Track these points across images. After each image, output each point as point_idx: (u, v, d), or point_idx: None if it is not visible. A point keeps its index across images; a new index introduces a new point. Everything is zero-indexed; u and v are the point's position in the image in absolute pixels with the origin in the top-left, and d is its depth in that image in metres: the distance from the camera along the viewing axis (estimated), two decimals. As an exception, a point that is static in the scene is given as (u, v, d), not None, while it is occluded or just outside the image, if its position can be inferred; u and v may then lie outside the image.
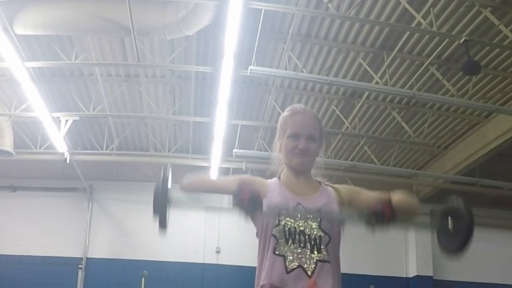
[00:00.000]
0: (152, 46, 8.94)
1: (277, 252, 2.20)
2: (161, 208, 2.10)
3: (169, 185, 2.15)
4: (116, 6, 7.50)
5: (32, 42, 8.60)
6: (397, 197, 2.24)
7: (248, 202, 2.09)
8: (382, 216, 2.14)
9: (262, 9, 7.40)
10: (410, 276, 12.77)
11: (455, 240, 2.19)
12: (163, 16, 7.53)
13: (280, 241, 2.21)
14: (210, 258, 12.24)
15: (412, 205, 2.35)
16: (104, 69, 9.63)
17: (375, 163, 11.32)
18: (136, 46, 8.01)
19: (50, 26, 7.61)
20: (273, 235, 2.23)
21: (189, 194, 2.25)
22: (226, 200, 2.13)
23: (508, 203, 12.83)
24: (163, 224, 2.13)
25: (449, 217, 2.21)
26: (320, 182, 2.45)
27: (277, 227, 2.23)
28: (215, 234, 12.38)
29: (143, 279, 11.14)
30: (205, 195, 2.26)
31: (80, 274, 12.01)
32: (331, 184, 2.45)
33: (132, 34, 7.58)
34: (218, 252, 12.25)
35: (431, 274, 12.65)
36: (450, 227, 2.19)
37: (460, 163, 11.19)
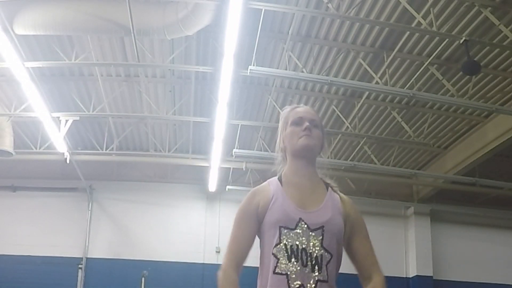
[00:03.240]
0: (152, 46, 8.93)
1: (277, 271, 2.14)
2: None
3: None
4: (116, 6, 7.50)
5: (32, 42, 8.60)
6: None
7: None
8: None
9: (262, 9, 7.40)
10: (410, 276, 12.78)
11: None
12: (163, 16, 7.53)
13: (280, 259, 2.16)
14: (210, 258, 12.24)
15: None
16: (104, 69, 9.63)
17: (375, 163, 11.31)
18: (136, 46, 8.01)
19: (50, 26, 7.61)
20: (273, 254, 2.17)
21: None
22: None
23: (508, 203, 12.83)
24: None
25: None
26: (327, 186, 2.37)
27: (278, 246, 2.17)
28: (215, 234, 12.38)
29: (143, 279, 11.14)
30: None
31: (80, 274, 12.00)
32: (338, 192, 2.38)
33: (132, 34, 7.58)
34: (218, 252, 12.25)
35: (431, 274, 12.65)
36: None
37: (460, 163, 11.19)
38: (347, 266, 2.33)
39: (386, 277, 2.28)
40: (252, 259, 2.33)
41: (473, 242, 13.08)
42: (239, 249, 2.26)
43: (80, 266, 12.03)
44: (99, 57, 9.08)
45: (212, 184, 12.00)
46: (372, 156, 11.26)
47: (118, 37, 8.43)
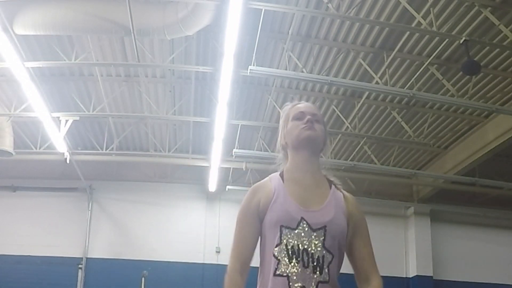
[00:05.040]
0: (152, 46, 8.94)
1: (278, 273, 2.10)
2: None
3: None
4: (116, 6, 7.50)
5: (32, 42, 8.60)
6: None
7: None
8: None
9: (262, 9, 7.40)
10: (410, 276, 12.77)
11: None
12: (163, 16, 7.53)
13: (281, 261, 2.11)
14: (210, 258, 12.24)
15: None
16: (104, 69, 9.63)
17: (375, 163, 11.31)
18: (136, 46, 8.01)
19: (50, 26, 7.61)
20: (274, 255, 2.13)
21: None
22: None
23: (508, 203, 12.83)
24: None
25: None
26: (330, 183, 2.32)
27: (278, 247, 2.13)
28: (215, 234, 12.38)
29: (143, 279, 11.13)
30: None
31: (80, 274, 12.00)
32: (342, 190, 2.33)
33: (132, 34, 7.58)
34: (218, 252, 12.25)
35: (431, 274, 12.65)
36: None
37: (460, 163, 11.19)
38: (347, 266, 2.32)
39: (386, 277, 2.28)
40: (253, 259, 2.31)
41: (473, 242, 13.08)
42: (243, 251, 2.22)
43: (80, 266, 12.03)
44: (99, 57, 9.09)
45: (212, 184, 12.00)
46: (372, 156, 11.27)
47: (118, 37, 8.43)
